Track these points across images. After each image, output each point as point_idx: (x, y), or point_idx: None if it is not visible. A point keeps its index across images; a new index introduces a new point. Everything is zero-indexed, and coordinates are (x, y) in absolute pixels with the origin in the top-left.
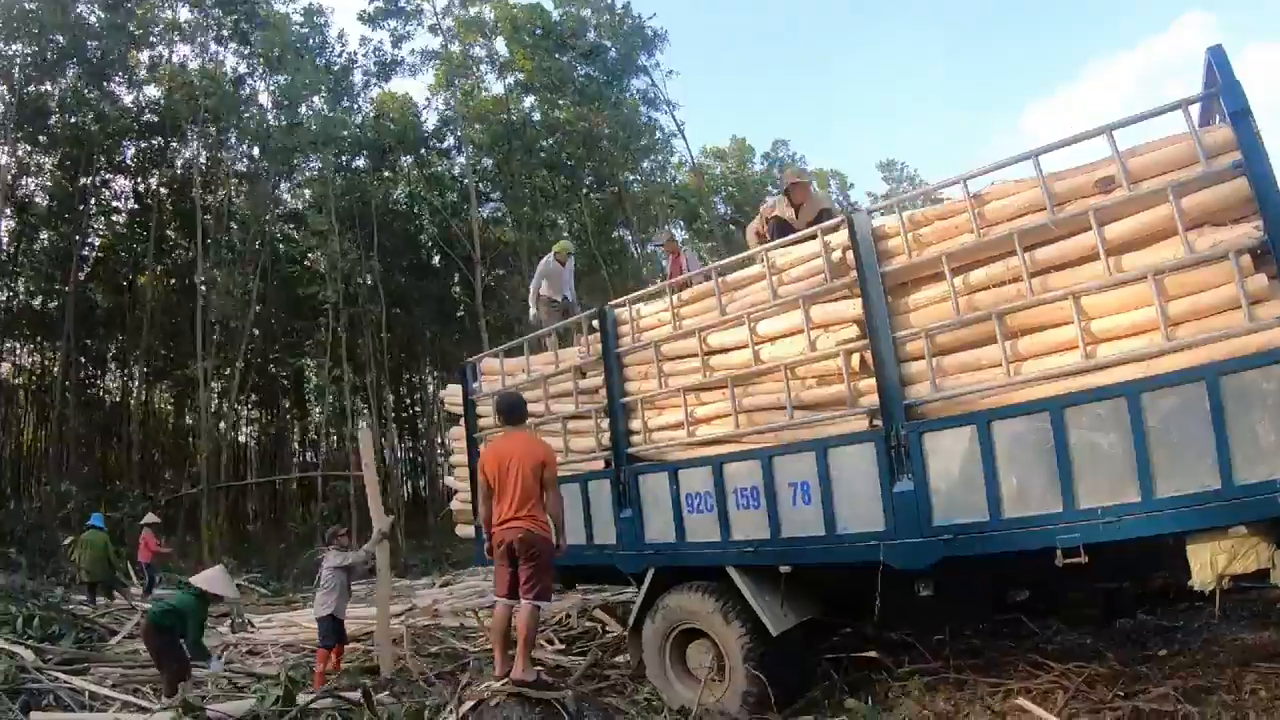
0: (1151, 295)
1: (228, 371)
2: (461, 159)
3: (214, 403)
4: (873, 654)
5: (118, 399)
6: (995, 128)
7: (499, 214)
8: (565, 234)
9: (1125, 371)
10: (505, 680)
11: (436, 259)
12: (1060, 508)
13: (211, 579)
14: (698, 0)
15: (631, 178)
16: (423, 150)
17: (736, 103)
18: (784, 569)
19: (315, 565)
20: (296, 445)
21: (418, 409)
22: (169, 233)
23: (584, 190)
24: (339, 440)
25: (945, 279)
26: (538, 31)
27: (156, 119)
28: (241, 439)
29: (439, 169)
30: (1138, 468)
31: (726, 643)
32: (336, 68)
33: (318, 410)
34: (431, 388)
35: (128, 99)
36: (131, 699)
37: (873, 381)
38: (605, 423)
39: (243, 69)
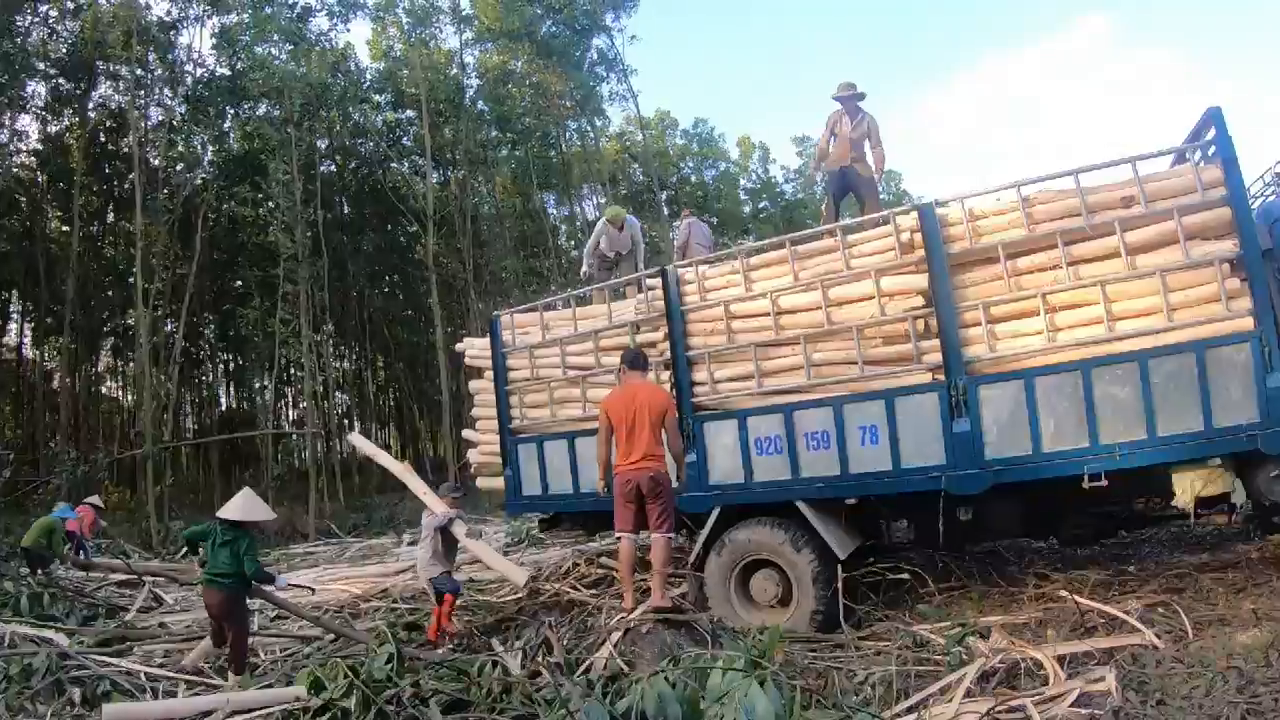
0: (1158, 287)
1: (128, 323)
2: (409, 111)
3: (145, 361)
4: (905, 575)
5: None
6: (891, 109)
7: (422, 170)
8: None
9: (1137, 343)
10: (647, 608)
11: (345, 212)
12: (1087, 443)
13: (245, 508)
14: None
15: (573, 139)
16: (364, 104)
17: (655, 70)
18: (850, 501)
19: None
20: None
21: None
22: (78, 179)
23: (529, 146)
24: (284, 398)
25: (998, 262)
26: None
27: (68, 57)
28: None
29: (376, 120)
30: (1145, 414)
31: (797, 569)
32: (295, 10)
33: (229, 368)
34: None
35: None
36: (196, 679)
37: (934, 342)
38: (665, 375)
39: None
